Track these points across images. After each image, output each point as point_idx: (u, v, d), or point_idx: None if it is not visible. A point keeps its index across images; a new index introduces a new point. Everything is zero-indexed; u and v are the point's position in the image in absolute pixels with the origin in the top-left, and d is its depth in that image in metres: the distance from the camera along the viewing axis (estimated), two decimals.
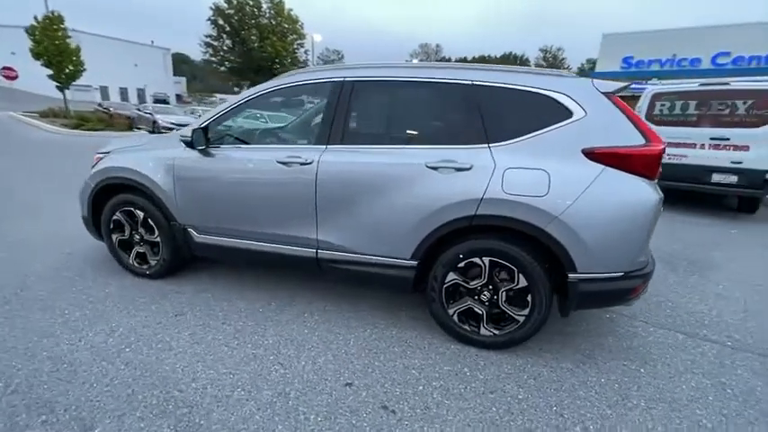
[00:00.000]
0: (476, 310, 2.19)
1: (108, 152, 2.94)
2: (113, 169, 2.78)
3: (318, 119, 2.55)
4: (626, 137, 1.93)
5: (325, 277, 2.94)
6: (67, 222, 3.91)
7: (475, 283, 2.16)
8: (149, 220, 2.78)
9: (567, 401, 1.86)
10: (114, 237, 2.94)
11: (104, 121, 17.97)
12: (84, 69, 18.38)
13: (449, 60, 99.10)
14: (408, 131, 2.38)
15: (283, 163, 2.35)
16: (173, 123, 16.38)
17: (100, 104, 25.53)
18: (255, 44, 34.95)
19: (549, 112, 2.02)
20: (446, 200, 2.06)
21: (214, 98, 46.19)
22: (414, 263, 2.23)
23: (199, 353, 2.12)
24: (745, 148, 5.09)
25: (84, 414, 1.68)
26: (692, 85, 5.64)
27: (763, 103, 5.01)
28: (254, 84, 39.07)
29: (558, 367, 2.12)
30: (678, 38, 21.09)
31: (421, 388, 1.92)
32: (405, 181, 2.14)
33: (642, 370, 2.12)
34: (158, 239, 2.80)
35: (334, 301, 2.72)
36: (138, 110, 19.51)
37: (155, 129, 16.41)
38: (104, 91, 41.49)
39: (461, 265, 2.15)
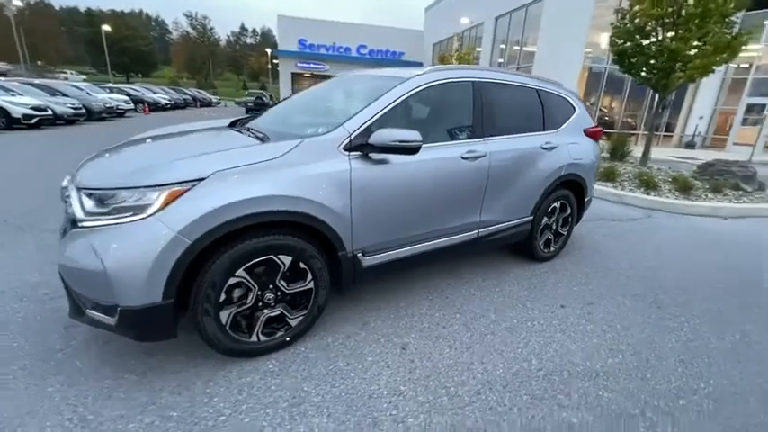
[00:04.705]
0: (550, 237, 3.42)
1: (199, 179, 1.64)
2: (256, 202, 1.69)
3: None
4: (590, 122, 3.62)
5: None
6: None
7: (552, 219, 3.37)
8: (300, 264, 1.96)
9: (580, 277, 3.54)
10: (227, 313, 1.82)
11: None
12: None
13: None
14: (520, 123, 3.03)
15: (465, 158, 2.48)
16: None
17: None
18: None
19: (568, 109, 3.40)
20: (552, 168, 3.08)
21: None
22: (531, 218, 3.12)
23: (498, 358, 2.20)
24: None
25: None
26: None
27: None
28: None
29: (565, 259, 3.76)
30: (336, 29, 26.59)
31: (576, 288, 3.02)
32: (534, 159, 2.95)
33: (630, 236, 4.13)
34: (311, 285, 2.05)
35: (444, 280, 3.09)
36: None
37: None
38: None
39: (549, 210, 3.28)
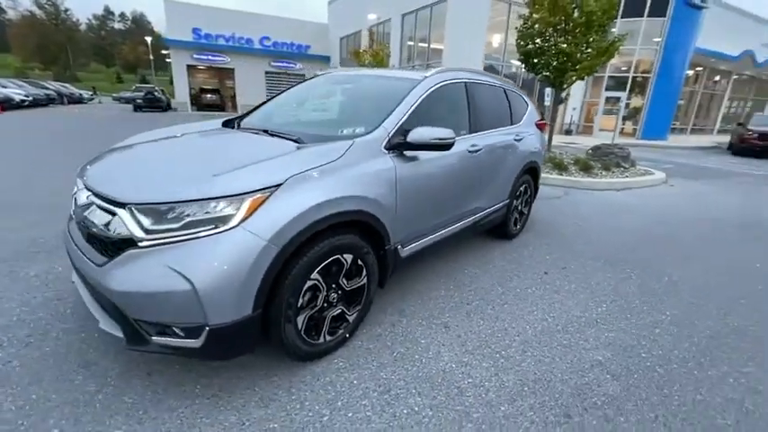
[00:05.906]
0: (517, 216, 3.95)
1: (278, 185, 1.58)
2: (332, 203, 1.72)
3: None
4: (538, 116, 4.23)
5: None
6: None
7: (519, 201, 3.89)
8: (358, 261, 2.03)
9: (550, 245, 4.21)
10: (302, 317, 1.81)
11: None
12: None
13: None
14: (497, 118, 3.37)
15: (470, 151, 2.76)
16: None
17: None
18: None
19: (523, 104, 3.93)
20: (522, 156, 3.57)
21: None
22: (508, 201, 3.58)
23: (527, 326, 2.54)
24: None
25: None
26: None
27: None
28: None
29: (528, 235, 4.37)
30: (235, 19, 24.72)
31: (548, 257, 3.58)
32: (511, 150, 3.39)
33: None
34: (365, 281, 2.12)
35: (446, 264, 3.39)
36: None
37: None
38: None
39: (517, 193, 3.78)
